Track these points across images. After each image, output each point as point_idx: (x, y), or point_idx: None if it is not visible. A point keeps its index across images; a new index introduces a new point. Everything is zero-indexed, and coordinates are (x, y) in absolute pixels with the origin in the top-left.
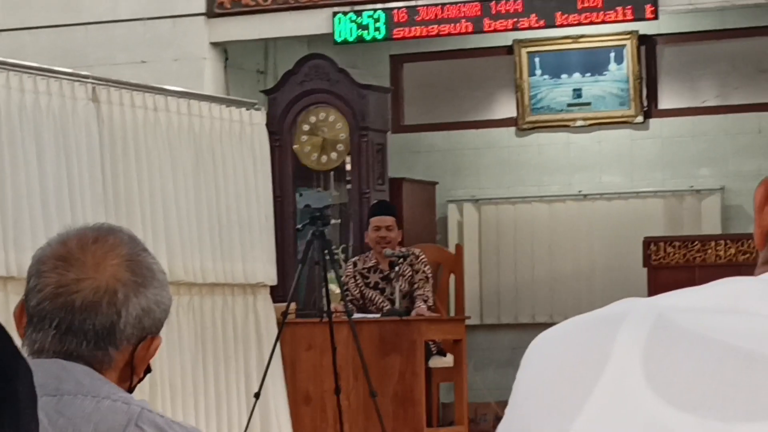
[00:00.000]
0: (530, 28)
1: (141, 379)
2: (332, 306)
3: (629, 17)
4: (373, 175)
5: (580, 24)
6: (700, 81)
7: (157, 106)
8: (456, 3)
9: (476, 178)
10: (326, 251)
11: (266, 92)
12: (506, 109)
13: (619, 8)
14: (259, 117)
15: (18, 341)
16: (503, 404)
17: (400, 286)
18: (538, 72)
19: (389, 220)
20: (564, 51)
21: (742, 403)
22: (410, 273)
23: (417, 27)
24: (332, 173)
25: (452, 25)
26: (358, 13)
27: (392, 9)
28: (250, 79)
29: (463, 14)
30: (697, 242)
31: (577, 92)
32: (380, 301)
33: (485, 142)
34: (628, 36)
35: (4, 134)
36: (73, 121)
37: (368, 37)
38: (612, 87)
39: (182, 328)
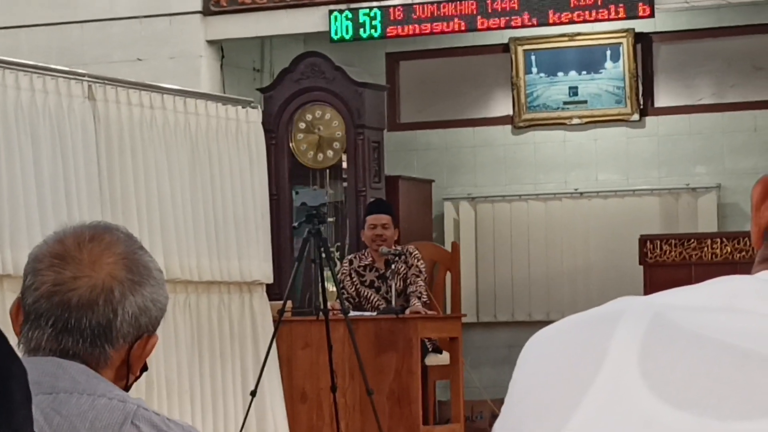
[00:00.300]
0: (523, 26)
1: (137, 378)
2: (329, 304)
3: (622, 15)
4: (369, 173)
5: (572, 22)
6: (696, 79)
7: (153, 104)
8: (452, 1)
9: (472, 176)
10: (322, 249)
11: (262, 90)
12: (502, 107)
13: (612, 6)
14: (256, 115)
15: (14, 339)
16: (499, 402)
17: (396, 284)
18: (534, 70)
19: (385, 218)
20: (560, 49)
21: (738, 401)
22: (405, 270)
23: (411, 25)
24: (328, 171)
25: (445, 23)
26: (355, 11)
27: (388, 7)
28: (247, 76)
29: (459, 12)
30: (693, 240)
31: (573, 90)
32: (375, 299)
33: (481, 140)
34: (624, 34)
35: (0, 132)
36: (69, 119)
37: (364, 35)
38: (608, 85)
39: (178, 326)
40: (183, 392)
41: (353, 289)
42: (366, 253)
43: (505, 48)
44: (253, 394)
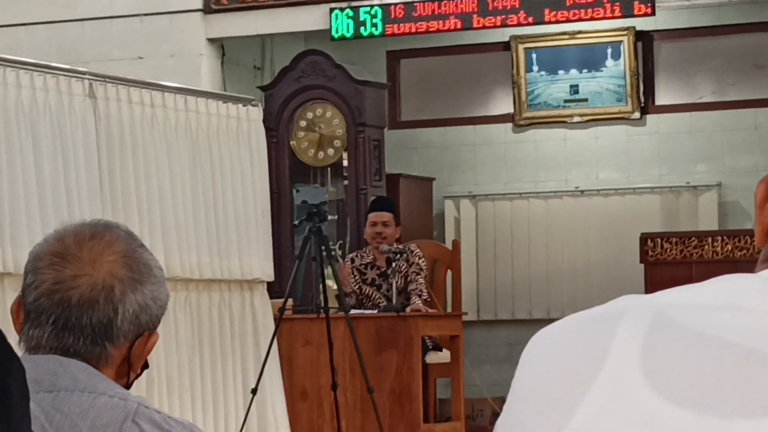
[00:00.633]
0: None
1: (138, 376)
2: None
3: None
4: (370, 171)
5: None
6: (697, 77)
7: (153, 102)
8: None
9: (473, 174)
10: (323, 247)
11: (263, 88)
12: (503, 105)
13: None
14: (256, 113)
15: (15, 337)
16: (500, 400)
17: (397, 282)
18: (535, 68)
19: (386, 215)
20: (561, 47)
21: (740, 399)
22: (406, 268)
23: (412, 23)
24: (329, 169)
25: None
26: (355, 9)
27: (389, 5)
28: (247, 75)
29: (460, 10)
30: (693, 238)
31: (574, 88)
32: (377, 297)
33: (482, 138)
34: (624, 32)
35: (0, 130)
36: (69, 117)
37: (365, 33)
38: (609, 83)
39: (179, 324)
40: (184, 390)
41: (357, 286)
42: (367, 252)
43: (505, 46)
44: (254, 391)
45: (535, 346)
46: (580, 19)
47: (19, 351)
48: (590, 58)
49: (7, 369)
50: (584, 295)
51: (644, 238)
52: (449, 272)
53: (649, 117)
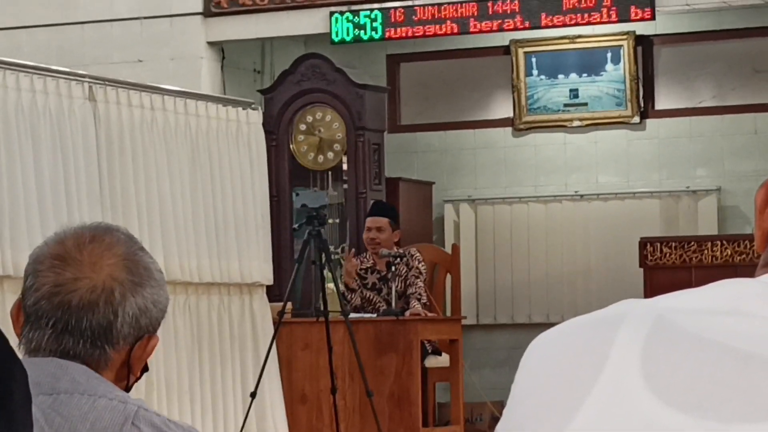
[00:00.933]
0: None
1: (138, 379)
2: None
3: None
4: (369, 175)
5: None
6: (697, 81)
7: (153, 105)
8: (453, 3)
9: (473, 178)
10: (323, 251)
11: (263, 92)
12: (503, 109)
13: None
14: (256, 116)
15: (15, 340)
16: (499, 404)
17: (396, 286)
18: (535, 72)
19: (380, 221)
20: (561, 51)
21: (740, 404)
22: (406, 272)
23: (412, 27)
24: (329, 173)
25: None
26: (355, 12)
27: (389, 9)
28: (247, 78)
29: (460, 14)
30: (693, 243)
31: (574, 92)
32: (377, 301)
33: (482, 142)
34: (624, 36)
35: (0, 133)
36: (69, 120)
37: (365, 37)
38: (609, 87)
39: (178, 328)
40: (183, 393)
41: (359, 289)
42: (368, 256)
43: (505, 50)
44: (253, 395)
45: (535, 350)
46: (577, 24)
47: (18, 354)
48: (590, 63)
49: (10, 371)
50: (584, 300)
51: (644, 243)
52: (449, 276)
53: (648, 121)
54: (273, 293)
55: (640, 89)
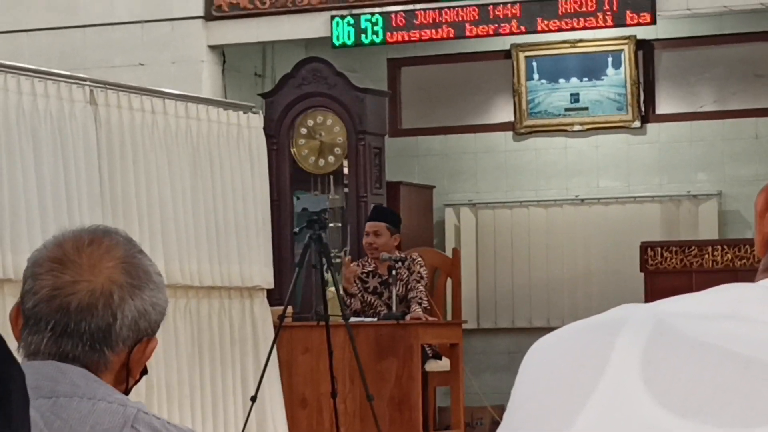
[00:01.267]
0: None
1: (137, 381)
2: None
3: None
4: (370, 178)
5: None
6: (698, 86)
7: (154, 108)
8: (454, 7)
9: (473, 182)
10: (323, 255)
11: (264, 95)
12: (504, 113)
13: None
14: (257, 120)
15: (14, 344)
16: (500, 408)
17: (398, 290)
18: (536, 76)
19: (378, 225)
20: (561, 55)
21: (740, 409)
22: (407, 276)
23: (413, 31)
24: (330, 177)
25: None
26: (356, 16)
27: (390, 13)
28: (248, 82)
29: (460, 18)
30: (694, 247)
31: (575, 97)
32: (378, 305)
33: (483, 146)
34: (625, 41)
35: (1, 137)
36: (70, 124)
37: (366, 41)
38: (609, 92)
39: (179, 331)
40: (183, 397)
41: (359, 294)
42: (369, 260)
43: (506, 54)
44: (254, 399)
45: (535, 355)
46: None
47: (17, 357)
48: (591, 67)
49: (8, 374)
50: (584, 304)
51: (644, 247)
52: (449, 280)
53: (649, 126)
54: (273, 297)
55: (641, 93)
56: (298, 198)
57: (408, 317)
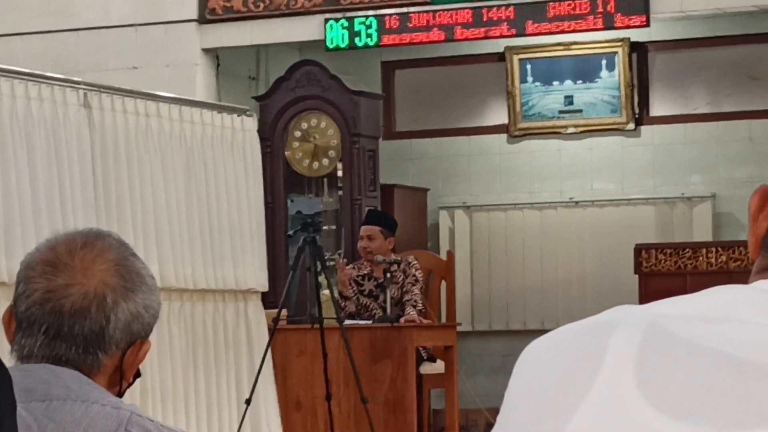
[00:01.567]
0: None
1: (130, 384)
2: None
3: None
4: (364, 181)
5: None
6: (692, 88)
7: (148, 112)
8: (448, 10)
9: (468, 185)
10: (317, 258)
11: (258, 98)
12: (498, 116)
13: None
14: (251, 123)
15: (7, 347)
16: (494, 411)
17: (393, 293)
18: (530, 79)
19: (371, 229)
20: (555, 58)
21: (733, 411)
22: (403, 279)
23: (407, 34)
24: (324, 180)
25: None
26: (350, 19)
27: (384, 15)
28: (242, 85)
29: (455, 21)
30: (688, 249)
31: (569, 99)
32: (373, 308)
33: (477, 148)
34: (619, 43)
35: None
36: (64, 127)
37: (360, 44)
38: (603, 94)
39: (173, 335)
40: (178, 400)
41: (354, 297)
42: (364, 263)
43: (500, 57)
44: (248, 402)
45: (529, 357)
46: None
47: (11, 360)
48: (585, 69)
49: None
50: (579, 306)
51: (639, 249)
52: (444, 283)
53: (643, 128)
54: (268, 300)
55: (635, 96)
56: (292, 201)
57: (402, 320)
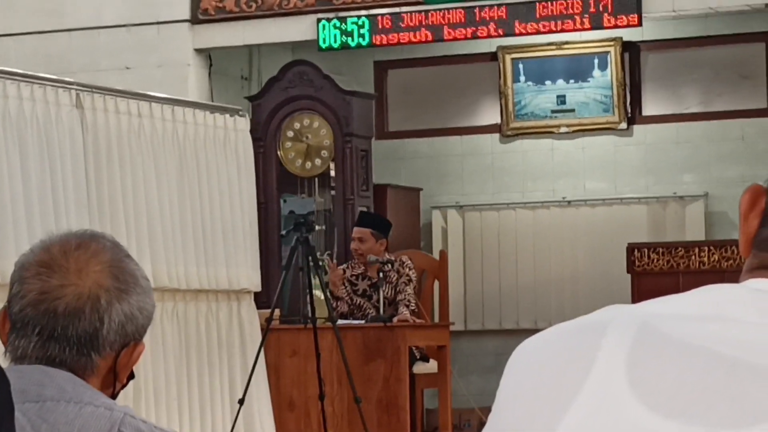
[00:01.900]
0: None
1: (124, 386)
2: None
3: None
4: (357, 181)
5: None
6: (684, 88)
7: (141, 112)
8: (440, 10)
9: (460, 185)
10: (310, 257)
11: (250, 98)
12: (490, 115)
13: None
14: (244, 123)
15: (1, 348)
16: (487, 410)
17: (385, 292)
18: (522, 78)
19: (362, 231)
20: (548, 57)
21: (725, 410)
22: (396, 279)
23: (400, 33)
24: (316, 179)
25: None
26: (343, 19)
27: (376, 15)
28: (235, 85)
29: (447, 21)
30: (680, 248)
31: (561, 99)
32: (367, 307)
33: (469, 148)
34: (611, 43)
35: None
36: (57, 128)
37: (353, 44)
38: (596, 93)
39: (166, 335)
40: (171, 400)
41: (348, 297)
42: (358, 263)
43: (493, 56)
44: (241, 402)
45: (521, 356)
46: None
47: (4, 361)
48: (577, 69)
49: None
50: (571, 305)
51: (631, 248)
52: (436, 282)
53: (636, 127)
54: (261, 300)
55: (627, 95)
56: (285, 201)
57: (395, 319)
